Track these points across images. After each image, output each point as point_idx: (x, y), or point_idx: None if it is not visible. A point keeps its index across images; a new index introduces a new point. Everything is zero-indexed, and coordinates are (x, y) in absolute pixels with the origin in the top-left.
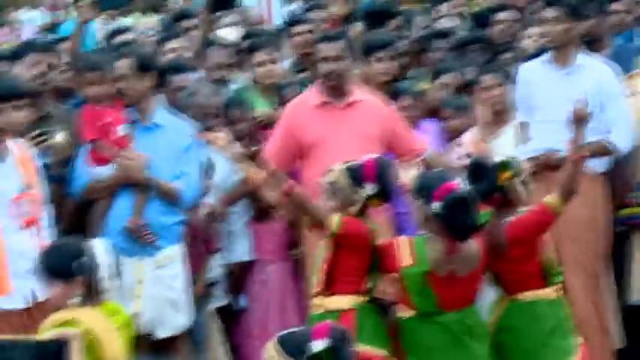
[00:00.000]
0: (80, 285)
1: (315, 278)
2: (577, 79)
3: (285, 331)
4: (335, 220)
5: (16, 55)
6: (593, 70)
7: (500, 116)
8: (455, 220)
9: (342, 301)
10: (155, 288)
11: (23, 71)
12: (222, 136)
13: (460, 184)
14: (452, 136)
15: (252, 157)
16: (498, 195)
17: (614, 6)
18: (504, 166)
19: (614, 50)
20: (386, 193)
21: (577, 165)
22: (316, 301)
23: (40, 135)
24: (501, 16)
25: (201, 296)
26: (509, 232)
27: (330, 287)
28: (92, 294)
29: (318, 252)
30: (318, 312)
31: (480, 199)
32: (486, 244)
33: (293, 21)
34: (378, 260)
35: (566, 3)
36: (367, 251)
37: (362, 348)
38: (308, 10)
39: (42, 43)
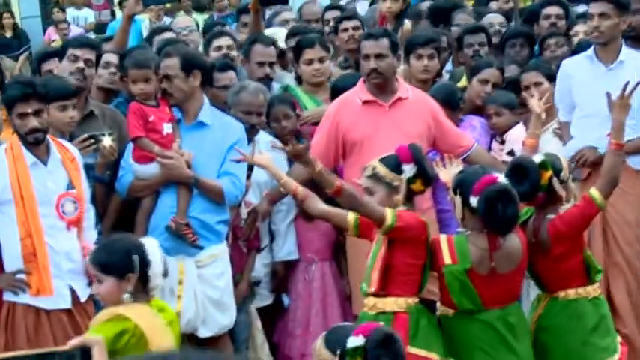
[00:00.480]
0: (132, 281)
1: (368, 277)
2: (620, 75)
3: (336, 325)
4: (390, 213)
5: (60, 53)
6: (636, 66)
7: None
8: (495, 214)
9: (396, 303)
10: (197, 287)
11: (63, 67)
12: (266, 155)
13: (499, 178)
14: (496, 133)
15: (297, 156)
16: (541, 195)
17: None
18: (545, 165)
19: None
20: (425, 174)
21: (617, 155)
22: (369, 301)
23: (89, 139)
24: (548, 10)
25: (244, 295)
26: (553, 229)
27: (384, 287)
28: (142, 291)
29: (372, 253)
30: (372, 312)
31: (523, 200)
32: (528, 242)
33: (341, 17)
34: (431, 256)
35: None
36: (423, 246)
37: (416, 351)
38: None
39: (81, 38)
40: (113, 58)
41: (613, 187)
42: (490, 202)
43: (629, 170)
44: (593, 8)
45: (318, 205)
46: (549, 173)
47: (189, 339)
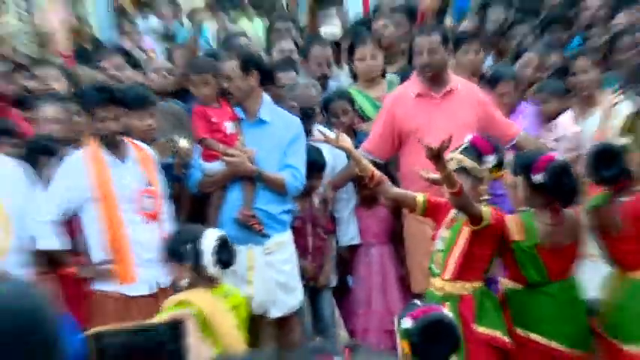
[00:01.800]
0: (188, 269)
1: (442, 262)
2: None
3: (413, 302)
4: (486, 214)
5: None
6: None
7: (591, 99)
8: (560, 187)
9: (464, 288)
10: (266, 273)
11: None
12: (346, 138)
13: (556, 155)
14: (547, 118)
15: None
16: (626, 178)
17: None
18: (627, 149)
19: None
20: (502, 161)
21: None
22: (437, 282)
23: (167, 142)
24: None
25: (328, 276)
26: (628, 210)
27: (457, 273)
28: (200, 278)
29: (444, 239)
30: (439, 294)
31: (608, 184)
32: (603, 225)
33: (374, 15)
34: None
35: None
36: (500, 238)
37: (482, 330)
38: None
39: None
40: (163, 64)
41: None
42: (556, 176)
43: None
44: None
45: (392, 188)
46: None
47: (262, 319)
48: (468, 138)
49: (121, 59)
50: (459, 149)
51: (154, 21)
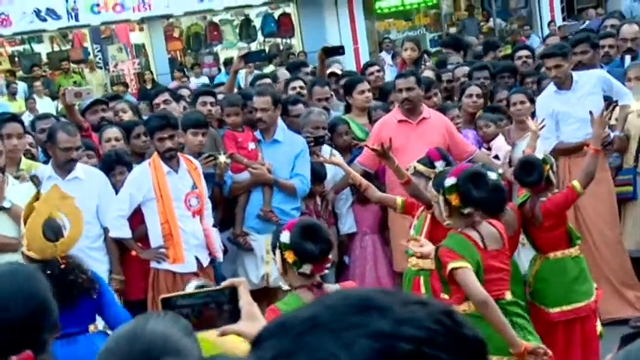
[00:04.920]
0: None
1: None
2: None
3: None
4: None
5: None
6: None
7: (524, 124)
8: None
9: (433, 263)
10: None
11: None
12: (338, 155)
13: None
14: (485, 141)
15: (382, 155)
16: (544, 182)
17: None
18: (546, 161)
19: None
20: (450, 164)
21: (594, 157)
22: (412, 260)
23: (208, 157)
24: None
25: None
26: (545, 208)
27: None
28: None
29: (414, 226)
30: (414, 269)
31: (530, 187)
32: (526, 217)
33: (367, 64)
34: None
35: None
36: None
37: (448, 298)
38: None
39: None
40: (208, 99)
41: (590, 180)
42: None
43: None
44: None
45: (376, 192)
46: (548, 167)
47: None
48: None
49: (167, 96)
50: (418, 159)
51: (204, 79)
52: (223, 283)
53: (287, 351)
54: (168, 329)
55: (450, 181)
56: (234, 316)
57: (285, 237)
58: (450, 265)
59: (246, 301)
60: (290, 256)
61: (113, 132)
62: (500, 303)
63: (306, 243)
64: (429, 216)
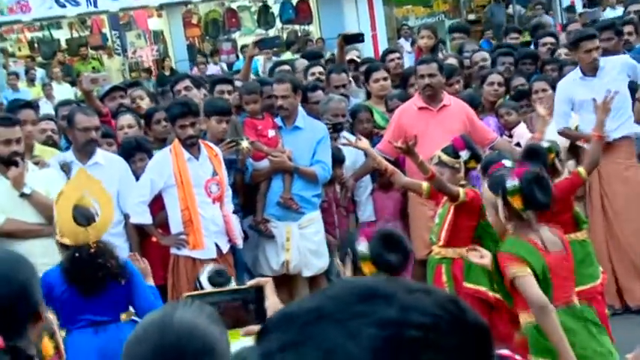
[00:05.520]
0: None
1: (437, 233)
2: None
3: (494, 172)
4: (462, 192)
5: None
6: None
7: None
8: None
9: (455, 252)
10: (300, 242)
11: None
12: (365, 140)
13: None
14: (507, 128)
15: (407, 151)
16: (549, 170)
17: None
18: (551, 149)
19: None
20: (477, 155)
21: (598, 144)
22: (435, 249)
23: (231, 142)
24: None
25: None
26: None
27: (449, 241)
28: None
29: (439, 215)
30: (437, 257)
31: None
32: None
33: (387, 51)
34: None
35: None
36: (479, 211)
37: (470, 286)
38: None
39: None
40: (225, 87)
41: (595, 166)
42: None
43: None
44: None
45: (403, 178)
46: (553, 155)
47: (296, 279)
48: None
49: (188, 82)
50: (442, 148)
51: (222, 66)
52: (249, 283)
53: (293, 342)
54: (195, 318)
55: (512, 182)
56: (260, 316)
57: (363, 247)
58: (512, 273)
59: (272, 301)
60: (368, 268)
61: (127, 119)
62: (573, 308)
63: (388, 254)
64: (452, 206)
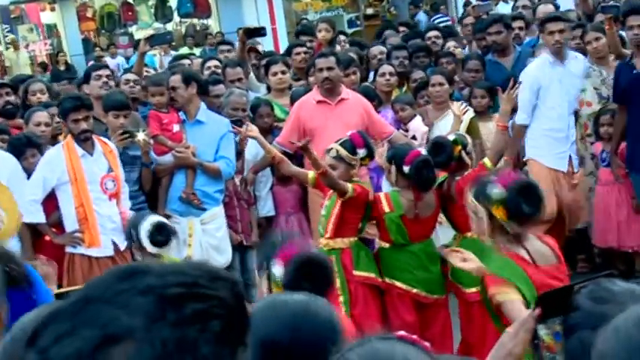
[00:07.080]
0: (137, 248)
1: (324, 225)
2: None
3: (481, 179)
4: (350, 188)
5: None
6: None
7: (443, 105)
8: (421, 177)
9: (343, 242)
10: (202, 238)
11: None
12: (254, 128)
13: (422, 151)
14: (402, 122)
15: (304, 148)
16: (454, 163)
17: None
18: (457, 142)
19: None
20: (372, 153)
21: (502, 134)
22: (323, 241)
23: (124, 134)
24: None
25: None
26: (458, 187)
27: (336, 234)
28: (145, 254)
29: (326, 207)
30: (325, 249)
31: (440, 167)
32: (443, 197)
33: (292, 45)
34: (370, 211)
35: None
36: (365, 205)
37: (359, 273)
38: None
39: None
40: (132, 77)
41: (500, 156)
42: (418, 169)
43: None
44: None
45: (290, 167)
46: (459, 147)
47: None
48: (348, 133)
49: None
50: (340, 141)
51: (120, 60)
52: None
53: (67, 330)
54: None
55: (497, 192)
56: None
57: (277, 271)
58: (496, 298)
59: None
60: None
61: (43, 116)
62: None
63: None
64: (335, 199)
